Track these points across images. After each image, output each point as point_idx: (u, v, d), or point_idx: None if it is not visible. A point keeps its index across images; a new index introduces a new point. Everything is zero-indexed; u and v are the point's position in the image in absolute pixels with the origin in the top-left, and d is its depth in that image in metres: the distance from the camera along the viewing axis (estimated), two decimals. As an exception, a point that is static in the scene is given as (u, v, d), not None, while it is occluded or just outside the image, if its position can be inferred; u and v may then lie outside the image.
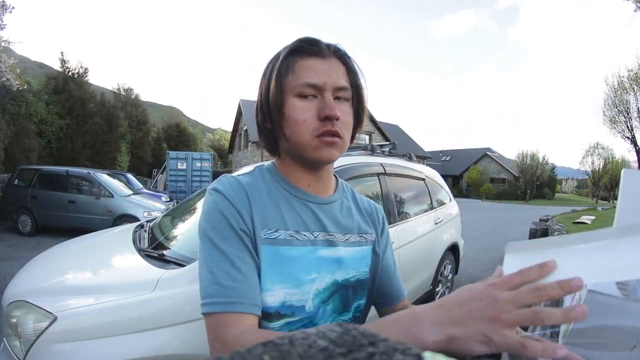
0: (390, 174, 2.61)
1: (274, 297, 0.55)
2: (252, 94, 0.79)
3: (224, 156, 30.96)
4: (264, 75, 0.61)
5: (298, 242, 0.59)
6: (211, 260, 0.52)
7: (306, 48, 0.58)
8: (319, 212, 0.63)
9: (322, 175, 0.65)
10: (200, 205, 2.15)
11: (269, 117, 0.60)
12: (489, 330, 0.32)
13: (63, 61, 13.43)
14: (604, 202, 34.04)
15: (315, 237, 0.61)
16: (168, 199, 8.19)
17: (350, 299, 0.65)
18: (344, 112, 0.59)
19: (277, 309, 0.55)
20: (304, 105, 0.56)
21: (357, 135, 0.67)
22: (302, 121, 0.56)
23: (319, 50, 0.58)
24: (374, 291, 0.71)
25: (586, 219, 7.86)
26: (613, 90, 18.01)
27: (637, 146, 17.28)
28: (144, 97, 20.13)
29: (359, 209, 0.72)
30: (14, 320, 1.39)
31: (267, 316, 0.54)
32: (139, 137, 17.01)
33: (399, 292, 0.74)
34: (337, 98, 0.58)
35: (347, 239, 0.65)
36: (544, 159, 34.11)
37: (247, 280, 0.52)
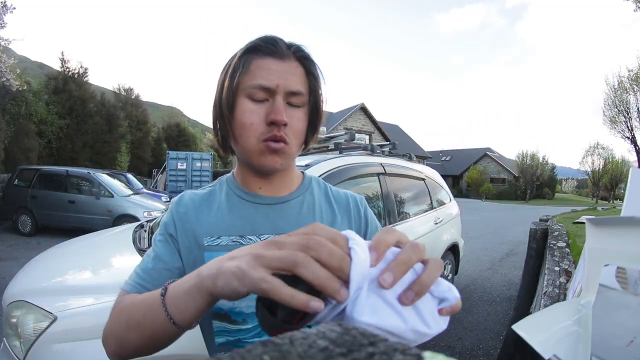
0: (390, 174, 2.61)
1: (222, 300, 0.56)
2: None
3: (223, 156, 30.92)
4: (222, 72, 0.59)
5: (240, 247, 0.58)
6: (146, 254, 0.60)
7: (263, 47, 0.55)
8: (272, 213, 0.61)
9: (274, 178, 0.62)
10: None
11: (220, 117, 0.58)
12: (246, 263, 0.32)
13: (63, 61, 13.42)
14: (604, 202, 34.03)
15: (262, 239, 0.58)
16: (168, 199, 8.19)
17: None
18: (295, 118, 0.56)
19: (227, 312, 0.56)
20: (253, 108, 0.54)
21: (311, 142, 0.64)
22: (249, 124, 0.54)
23: (276, 50, 0.55)
24: None
25: (586, 219, 7.86)
26: (613, 90, 18.04)
27: (637, 146, 17.28)
28: (144, 97, 20.11)
29: (329, 204, 0.67)
30: (14, 320, 1.39)
31: (218, 316, 0.56)
32: (139, 137, 17.00)
33: None
34: (289, 103, 0.56)
35: None
36: (544, 159, 34.13)
37: (151, 272, 0.56)
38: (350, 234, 0.33)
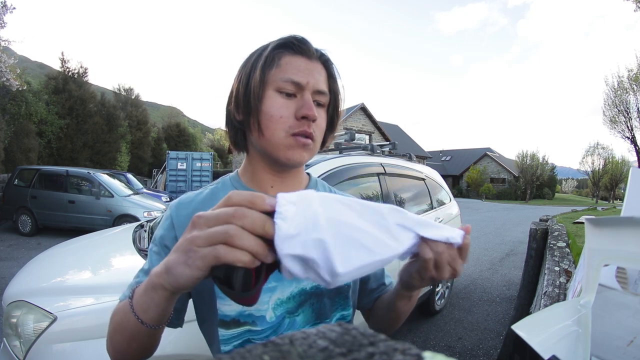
0: (390, 174, 2.61)
1: (230, 306, 0.56)
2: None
3: (223, 156, 30.96)
4: (245, 63, 0.59)
5: None
6: (144, 264, 0.59)
7: (295, 45, 0.57)
8: None
9: (287, 176, 0.62)
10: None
11: (244, 108, 0.57)
12: (185, 249, 0.34)
13: (63, 61, 13.43)
14: (604, 202, 34.05)
15: None
16: (168, 199, 8.19)
17: (327, 309, 0.61)
18: (320, 117, 0.58)
19: (234, 317, 0.56)
20: (283, 102, 0.55)
21: (328, 142, 0.66)
22: (279, 117, 0.54)
23: (307, 49, 0.57)
24: (363, 299, 0.69)
25: (585, 219, 7.86)
26: (613, 90, 18.04)
27: (637, 146, 17.28)
28: (144, 97, 20.12)
29: None
30: (14, 320, 1.39)
31: (223, 324, 0.56)
32: (139, 137, 17.01)
33: (378, 283, 0.71)
34: (314, 101, 0.57)
35: None
36: (544, 159, 34.11)
37: None
38: (281, 198, 0.34)
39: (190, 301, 0.59)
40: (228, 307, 0.55)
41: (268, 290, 0.57)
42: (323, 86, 0.58)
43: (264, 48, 0.58)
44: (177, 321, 0.56)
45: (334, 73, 0.61)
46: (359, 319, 0.68)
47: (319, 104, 0.58)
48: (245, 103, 0.57)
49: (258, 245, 0.32)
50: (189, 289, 0.36)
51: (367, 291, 0.71)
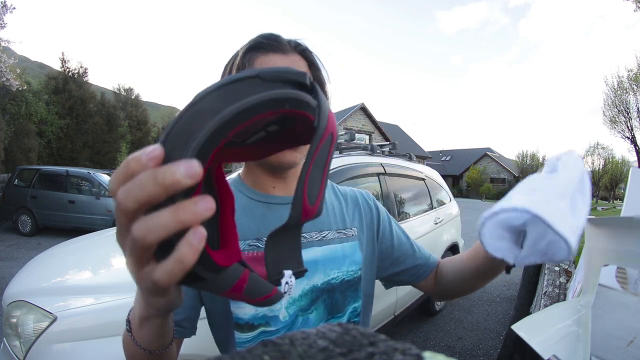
0: (390, 174, 2.61)
1: (243, 309, 0.55)
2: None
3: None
4: (223, 72, 0.58)
5: (259, 250, 0.56)
6: None
7: (266, 44, 0.55)
8: (286, 213, 0.57)
9: (287, 176, 0.61)
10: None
11: None
12: (135, 264, 0.23)
13: (63, 61, 13.43)
14: (604, 202, 34.04)
15: None
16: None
17: (340, 303, 0.60)
18: None
19: (247, 321, 0.54)
20: None
21: None
22: None
23: (279, 45, 0.55)
24: (372, 290, 0.69)
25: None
26: (613, 90, 18.04)
27: (637, 146, 17.29)
28: (144, 97, 20.14)
29: (338, 200, 0.67)
30: (14, 320, 1.39)
31: (238, 327, 0.55)
32: (139, 137, 17.02)
33: (426, 261, 0.70)
34: None
35: (323, 237, 0.61)
36: (544, 159, 34.10)
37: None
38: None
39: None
40: (241, 310, 0.55)
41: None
42: None
43: (235, 55, 0.57)
44: (191, 330, 0.56)
45: (315, 61, 0.59)
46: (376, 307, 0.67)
47: None
48: None
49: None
50: (175, 306, 0.29)
51: (395, 261, 0.69)
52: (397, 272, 0.70)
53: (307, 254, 0.58)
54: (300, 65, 0.56)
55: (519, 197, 0.29)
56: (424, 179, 3.23)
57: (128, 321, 0.40)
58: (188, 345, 1.18)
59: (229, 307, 0.55)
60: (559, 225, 0.27)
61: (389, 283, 0.74)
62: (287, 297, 0.56)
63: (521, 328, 0.67)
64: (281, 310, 0.56)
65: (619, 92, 17.80)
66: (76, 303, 1.36)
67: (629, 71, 17.25)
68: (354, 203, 0.69)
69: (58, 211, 6.55)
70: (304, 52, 0.58)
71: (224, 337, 0.59)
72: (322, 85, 0.60)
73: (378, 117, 21.88)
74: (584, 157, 36.12)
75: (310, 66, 0.58)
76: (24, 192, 6.71)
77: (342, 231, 0.64)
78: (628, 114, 17.45)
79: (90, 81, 14.35)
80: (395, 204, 2.56)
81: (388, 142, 3.12)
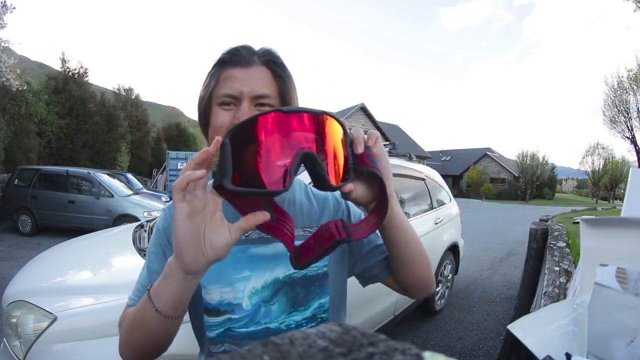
0: (390, 174, 2.61)
1: (210, 295, 0.61)
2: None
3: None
4: (202, 85, 0.65)
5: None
6: (143, 267, 0.65)
7: (227, 58, 0.60)
8: None
9: None
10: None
11: (203, 127, 0.64)
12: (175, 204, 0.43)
13: (63, 61, 13.42)
14: (604, 202, 34.03)
15: (247, 236, 0.62)
16: (168, 199, 8.19)
17: (302, 297, 0.63)
18: None
19: (214, 306, 0.61)
20: (224, 113, 0.59)
21: None
22: (219, 127, 0.58)
23: (238, 59, 0.59)
24: (344, 287, 0.70)
25: (580, 219, 7.90)
26: (613, 90, 18.04)
27: (637, 146, 17.29)
28: (144, 97, 20.12)
29: (309, 200, 0.70)
30: (14, 320, 1.39)
31: (207, 311, 0.61)
32: (139, 137, 17.00)
33: (371, 245, 0.70)
34: (261, 104, 0.59)
35: None
36: (544, 159, 34.13)
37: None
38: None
39: None
40: (209, 295, 0.61)
41: (242, 279, 0.61)
42: (263, 89, 0.59)
43: (211, 68, 0.63)
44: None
45: (279, 71, 0.61)
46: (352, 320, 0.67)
47: (265, 106, 0.59)
48: (200, 122, 0.64)
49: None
50: (202, 267, 0.42)
51: (364, 257, 0.70)
52: (367, 267, 0.70)
53: (271, 249, 0.62)
54: (260, 77, 0.59)
55: None
56: (424, 179, 3.23)
57: (148, 291, 0.48)
58: (183, 345, 1.18)
59: (200, 294, 0.61)
60: None
61: (363, 280, 0.74)
62: (251, 287, 0.61)
63: (517, 328, 0.68)
64: (244, 299, 0.60)
65: (619, 92, 17.80)
66: (76, 303, 1.36)
67: (629, 71, 17.25)
68: (323, 202, 0.71)
69: (58, 211, 6.55)
70: (268, 63, 0.61)
71: (198, 325, 0.64)
72: (285, 96, 0.61)
73: (378, 117, 21.88)
74: (584, 157, 36.18)
75: (275, 76, 0.61)
76: (24, 192, 6.70)
77: (308, 229, 0.66)
78: (628, 114, 17.44)
79: (90, 81, 14.34)
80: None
81: (388, 142, 3.12)
